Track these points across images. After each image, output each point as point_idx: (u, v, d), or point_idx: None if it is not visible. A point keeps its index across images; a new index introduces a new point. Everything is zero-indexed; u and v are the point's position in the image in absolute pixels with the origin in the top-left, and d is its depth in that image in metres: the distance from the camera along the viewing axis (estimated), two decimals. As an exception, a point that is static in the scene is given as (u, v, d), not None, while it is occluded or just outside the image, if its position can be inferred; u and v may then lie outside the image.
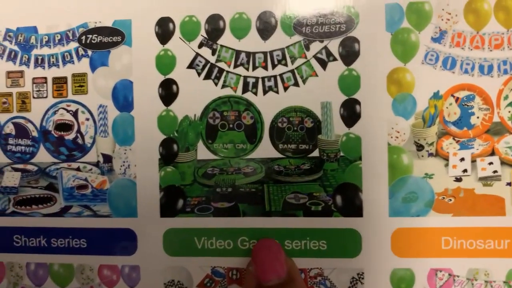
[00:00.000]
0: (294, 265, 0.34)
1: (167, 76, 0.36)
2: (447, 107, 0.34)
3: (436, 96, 0.34)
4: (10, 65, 0.38)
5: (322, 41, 0.35)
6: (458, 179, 0.34)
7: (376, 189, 0.34)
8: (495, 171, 0.33)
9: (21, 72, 0.38)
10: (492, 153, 0.34)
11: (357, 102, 0.34)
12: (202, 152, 0.36)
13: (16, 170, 0.39)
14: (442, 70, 0.34)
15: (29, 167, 0.39)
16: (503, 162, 0.34)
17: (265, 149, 0.35)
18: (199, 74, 0.36)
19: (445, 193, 0.34)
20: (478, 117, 0.34)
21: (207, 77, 0.36)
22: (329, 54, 0.34)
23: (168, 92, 0.36)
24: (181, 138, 0.36)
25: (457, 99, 0.34)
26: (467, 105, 0.34)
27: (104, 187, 0.37)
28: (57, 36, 0.38)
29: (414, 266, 0.34)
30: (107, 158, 0.37)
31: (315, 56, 0.35)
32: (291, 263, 0.33)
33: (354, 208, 0.34)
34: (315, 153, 0.35)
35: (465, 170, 0.34)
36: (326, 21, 0.34)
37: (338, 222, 0.35)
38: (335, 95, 0.34)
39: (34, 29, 0.38)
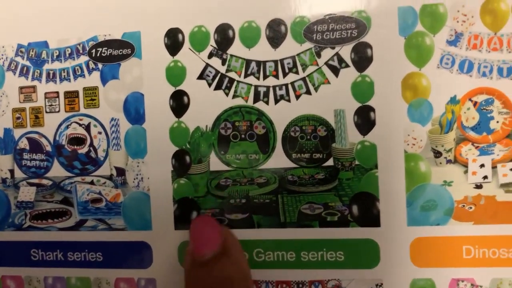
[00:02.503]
0: (231, 236, 0.33)
1: (178, 88, 0.36)
2: (465, 112, 0.33)
3: (453, 101, 0.33)
4: (23, 80, 0.39)
5: (333, 48, 0.34)
6: (479, 186, 0.33)
7: (394, 197, 0.33)
8: (517, 177, 0.32)
9: (34, 87, 0.38)
10: (514, 159, 0.32)
11: (371, 109, 0.33)
12: (215, 164, 0.36)
13: (31, 184, 0.39)
14: (458, 74, 0.33)
15: (44, 181, 0.39)
16: (525, 168, 0.32)
17: (278, 159, 0.35)
18: (209, 84, 0.35)
19: (465, 201, 0.33)
20: (497, 122, 0.32)
21: (218, 87, 0.35)
22: (341, 60, 0.34)
23: (179, 103, 0.36)
24: (194, 150, 0.36)
25: (475, 104, 0.33)
26: (486, 109, 0.32)
27: (118, 200, 0.37)
28: (68, 50, 0.38)
29: (435, 276, 0.33)
30: (120, 171, 0.37)
31: (326, 63, 0.34)
32: (226, 234, 0.32)
33: (371, 217, 0.34)
34: (330, 162, 0.34)
35: (485, 177, 0.33)
36: (337, 27, 0.33)
37: (355, 232, 0.34)
38: (349, 102, 0.34)
39: (45, 44, 0.38)
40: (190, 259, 0.32)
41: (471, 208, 0.33)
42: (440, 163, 0.33)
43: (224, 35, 0.35)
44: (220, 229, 0.32)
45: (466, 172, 0.33)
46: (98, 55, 0.37)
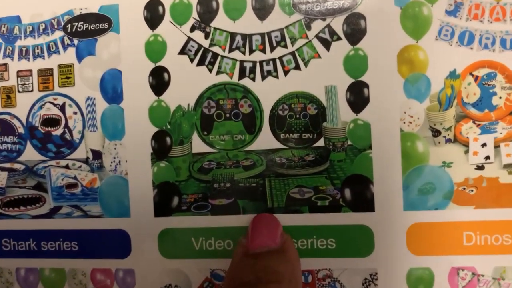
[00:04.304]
0: (290, 240, 0.32)
1: (158, 64, 0.34)
2: (465, 87, 0.31)
3: (453, 75, 0.31)
4: (-6, 58, 0.37)
5: (324, 19, 0.32)
6: (480, 167, 0.31)
7: (389, 180, 0.32)
8: (521, 157, 0.31)
9: (5, 65, 0.37)
10: (518, 137, 0.31)
11: (365, 85, 0.32)
12: (198, 145, 0.34)
13: (2, 169, 0.37)
14: (458, 46, 0.31)
15: (16, 165, 0.37)
16: (530, 147, 0.31)
17: (265, 140, 0.33)
18: (191, 60, 0.34)
19: (466, 183, 0.31)
20: (500, 97, 0.31)
21: (201, 63, 0.33)
22: (332, 33, 0.32)
23: (159, 80, 0.34)
24: (175, 131, 0.34)
25: (476, 78, 0.31)
26: (488, 84, 0.31)
27: (95, 185, 0.35)
28: (42, 26, 0.36)
29: (433, 264, 0.32)
30: (97, 154, 0.35)
31: (317, 36, 0.32)
32: (286, 237, 0.31)
33: (364, 202, 0.32)
34: (320, 143, 0.33)
35: (487, 157, 0.31)
36: (329, -3, 0.32)
37: (347, 218, 0.32)
38: (341, 78, 0.32)
39: (17, 19, 0.36)
40: (242, 250, 0.31)
41: (472, 191, 0.31)
42: (439, 142, 0.31)
43: (207, 7, 0.33)
44: (282, 232, 0.31)
45: (466, 152, 0.31)
46: (73, 30, 0.35)
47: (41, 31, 0.36)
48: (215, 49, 0.33)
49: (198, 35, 0.33)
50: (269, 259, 0.30)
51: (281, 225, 0.32)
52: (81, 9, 0.35)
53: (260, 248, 0.30)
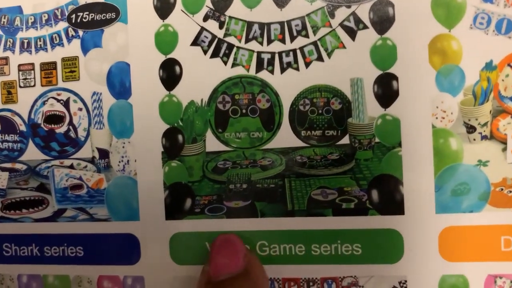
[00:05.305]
0: (255, 259, 0.31)
1: (169, 56, 0.33)
2: (503, 80, 0.29)
3: (489, 66, 0.29)
4: (-6, 51, 0.36)
5: (349, 6, 0.30)
6: None
7: (420, 181, 0.30)
8: None
9: (6, 58, 0.35)
10: (561, 134, 0.29)
11: (393, 77, 0.30)
12: (212, 143, 0.33)
13: (3, 169, 0.36)
14: (495, 35, 0.29)
15: (18, 165, 0.36)
16: None
17: (285, 137, 0.32)
18: (205, 51, 0.32)
19: (504, 184, 0.29)
20: (542, 90, 0.29)
21: (215, 55, 0.32)
22: (358, 21, 0.30)
23: (170, 74, 0.33)
24: (187, 128, 0.33)
25: None
26: (529, 76, 0.29)
27: (101, 186, 0.34)
28: (44, 16, 0.35)
29: (468, 271, 0.30)
30: (104, 153, 0.34)
31: (341, 24, 0.31)
32: (250, 258, 0.30)
33: (393, 204, 0.30)
34: (345, 140, 0.31)
35: None
36: (354, -17, 0.30)
37: (374, 221, 0.31)
38: (367, 69, 0.30)
39: (18, 9, 0.35)
40: (205, 278, 0.30)
41: (510, 192, 0.30)
42: (474, 139, 0.30)
43: (222, -6, 0.32)
44: (244, 253, 0.30)
45: (504, 149, 0.30)
46: (78, 20, 0.34)
47: (44, 22, 0.35)
48: (230, 39, 0.32)
49: (212, 25, 0.32)
50: (233, 285, 0.29)
51: (244, 246, 0.31)
52: (87, -2, 0.34)
53: (224, 275, 0.29)
